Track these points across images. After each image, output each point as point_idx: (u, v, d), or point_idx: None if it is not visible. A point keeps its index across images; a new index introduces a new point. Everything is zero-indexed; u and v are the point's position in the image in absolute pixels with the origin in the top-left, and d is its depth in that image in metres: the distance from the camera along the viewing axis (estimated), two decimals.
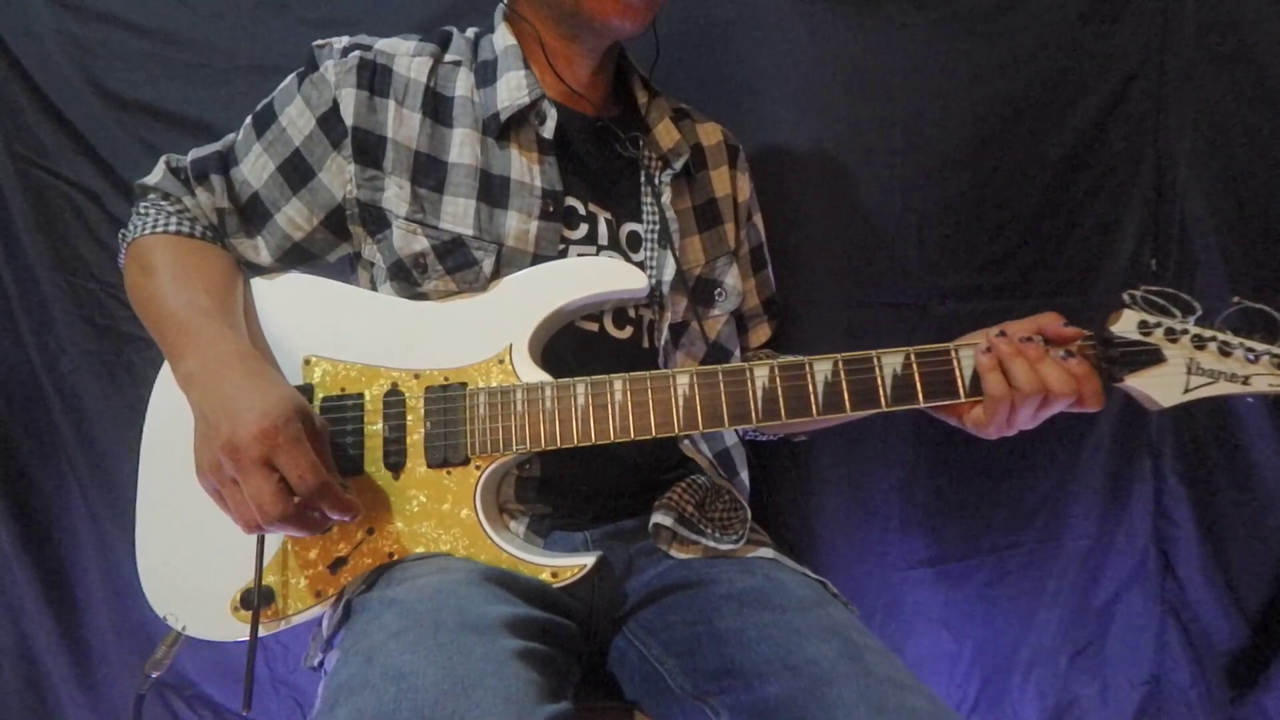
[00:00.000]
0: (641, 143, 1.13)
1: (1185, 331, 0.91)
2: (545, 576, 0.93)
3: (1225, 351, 0.89)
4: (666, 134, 1.15)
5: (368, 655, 0.75)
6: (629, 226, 1.12)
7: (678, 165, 1.14)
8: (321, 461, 0.87)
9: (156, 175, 1.10)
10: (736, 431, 1.20)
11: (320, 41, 1.08)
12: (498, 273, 1.03)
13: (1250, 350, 0.89)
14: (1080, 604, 1.68)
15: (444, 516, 0.95)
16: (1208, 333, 0.90)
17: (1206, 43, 1.52)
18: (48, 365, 1.48)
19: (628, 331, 1.09)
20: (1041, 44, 1.53)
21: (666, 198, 1.12)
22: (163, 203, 1.09)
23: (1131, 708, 1.70)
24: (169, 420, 1.01)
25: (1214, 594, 1.63)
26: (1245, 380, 0.89)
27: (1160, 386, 0.91)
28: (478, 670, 0.72)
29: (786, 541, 1.19)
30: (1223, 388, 0.90)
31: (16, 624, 1.51)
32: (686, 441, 1.12)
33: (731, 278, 1.19)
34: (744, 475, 1.17)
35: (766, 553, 1.07)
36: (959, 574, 1.64)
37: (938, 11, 1.51)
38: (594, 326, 1.07)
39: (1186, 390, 0.90)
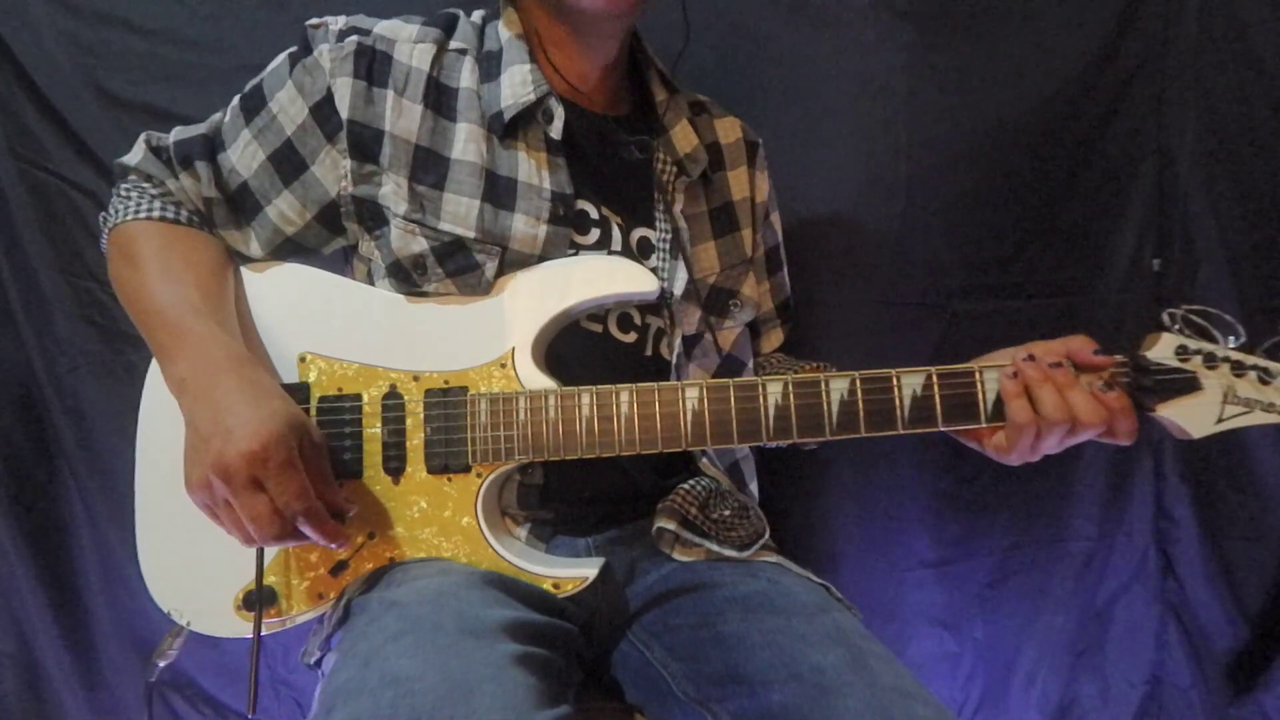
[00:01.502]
0: (655, 145, 1.08)
1: (1226, 359, 0.86)
2: (547, 587, 0.92)
3: (1265, 380, 0.85)
4: (684, 137, 1.09)
5: (365, 659, 0.75)
6: (640, 232, 1.07)
7: (694, 173, 1.09)
8: (319, 474, 0.86)
9: (137, 155, 1.04)
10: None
11: (315, 21, 1.02)
12: (501, 276, 1.00)
13: None
14: (1081, 604, 1.68)
15: (445, 523, 0.94)
16: (1249, 360, 0.86)
17: (1208, 42, 1.51)
18: (47, 365, 1.48)
19: (632, 337, 1.06)
20: (1044, 45, 1.53)
21: (679, 206, 1.08)
22: (145, 185, 1.04)
23: (1132, 708, 1.70)
24: (163, 415, 0.97)
25: (1214, 594, 1.62)
26: None
27: (1193, 417, 0.86)
28: (475, 675, 0.71)
29: (789, 542, 1.19)
30: (1257, 417, 0.85)
31: (16, 624, 1.51)
32: (704, 460, 1.09)
33: (748, 287, 1.15)
34: (753, 486, 1.15)
35: (770, 556, 1.07)
36: (961, 575, 1.64)
37: (941, 13, 1.51)
38: (598, 328, 1.04)
39: (1220, 420, 0.86)
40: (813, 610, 0.93)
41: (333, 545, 0.88)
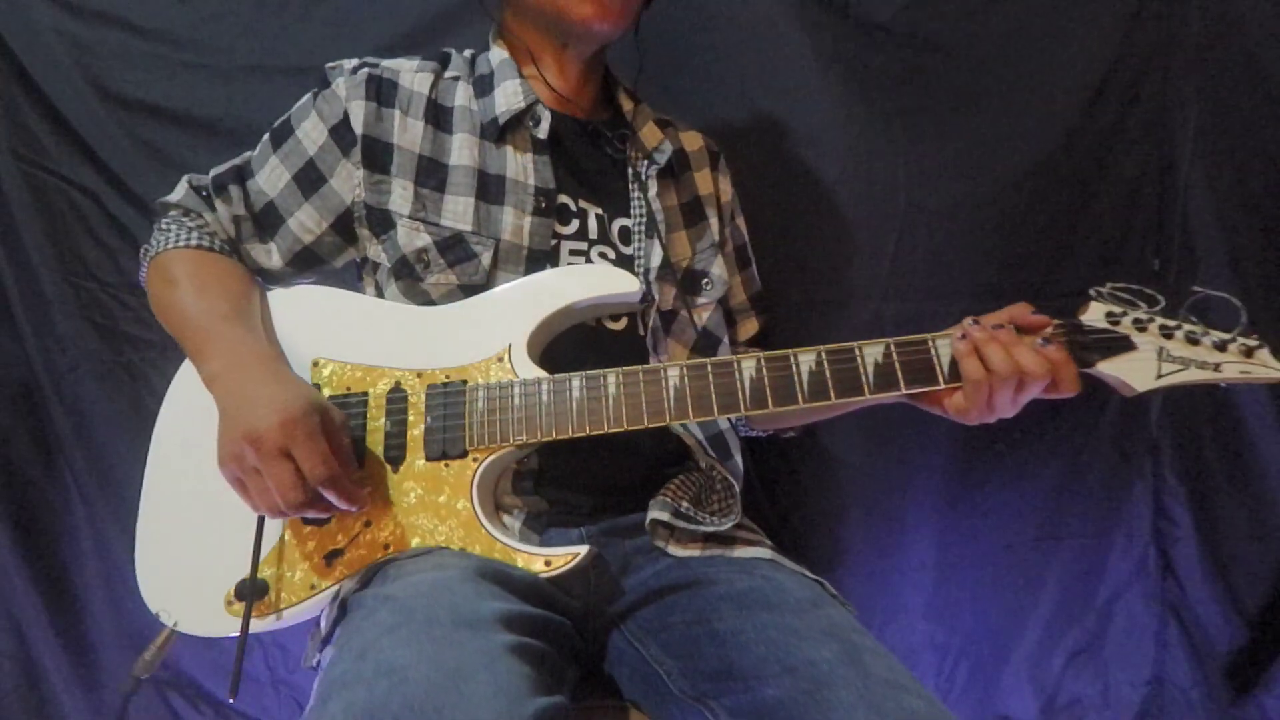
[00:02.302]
0: (628, 142, 1.20)
1: (1151, 320, 0.94)
2: (539, 566, 0.94)
3: (1193, 339, 0.92)
4: (650, 134, 1.22)
5: (360, 651, 0.76)
6: (620, 222, 1.17)
7: (661, 160, 1.20)
8: (340, 451, 0.93)
9: (179, 193, 1.16)
10: (731, 421, 1.22)
11: (332, 64, 1.15)
12: (495, 265, 1.08)
13: (1218, 338, 0.92)
14: (1081, 604, 1.68)
15: (440, 508, 0.97)
16: (1173, 322, 0.93)
17: (1210, 44, 1.52)
18: (48, 365, 1.48)
19: (622, 323, 1.13)
20: (1047, 46, 1.53)
21: (653, 191, 1.17)
22: (184, 219, 1.15)
23: (1132, 708, 1.70)
24: (179, 423, 1.07)
25: (1214, 594, 1.63)
26: (1216, 367, 0.92)
27: (1133, 372, 0.94)
28: (469, 664, 0.73)
29: (786, 540, 1.20)
30: (1194, 374, 0.92)
31: (15, 624, 1.51)
32: (679, 425, 1.13)
33: (718, 268, 1.23)
34: (738, 458, 1.18)
35: (764, 553, 1.08)
36: (961, 575, 1.64)
37: (941, 14, 1.52)
38: (591, 320, 1.11)
39: (1159, 376, 0.93)
40: (806, 606, 0.95)
41: (352, 509, 0.94)
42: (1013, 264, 1.57)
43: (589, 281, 1.06)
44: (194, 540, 1.01)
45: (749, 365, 0.97)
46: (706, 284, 1.21)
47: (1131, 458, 1.64)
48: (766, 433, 1.34)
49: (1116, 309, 0.95)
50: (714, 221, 1.25)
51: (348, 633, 0.84)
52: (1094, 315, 0.96)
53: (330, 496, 0.91)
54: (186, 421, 1.06)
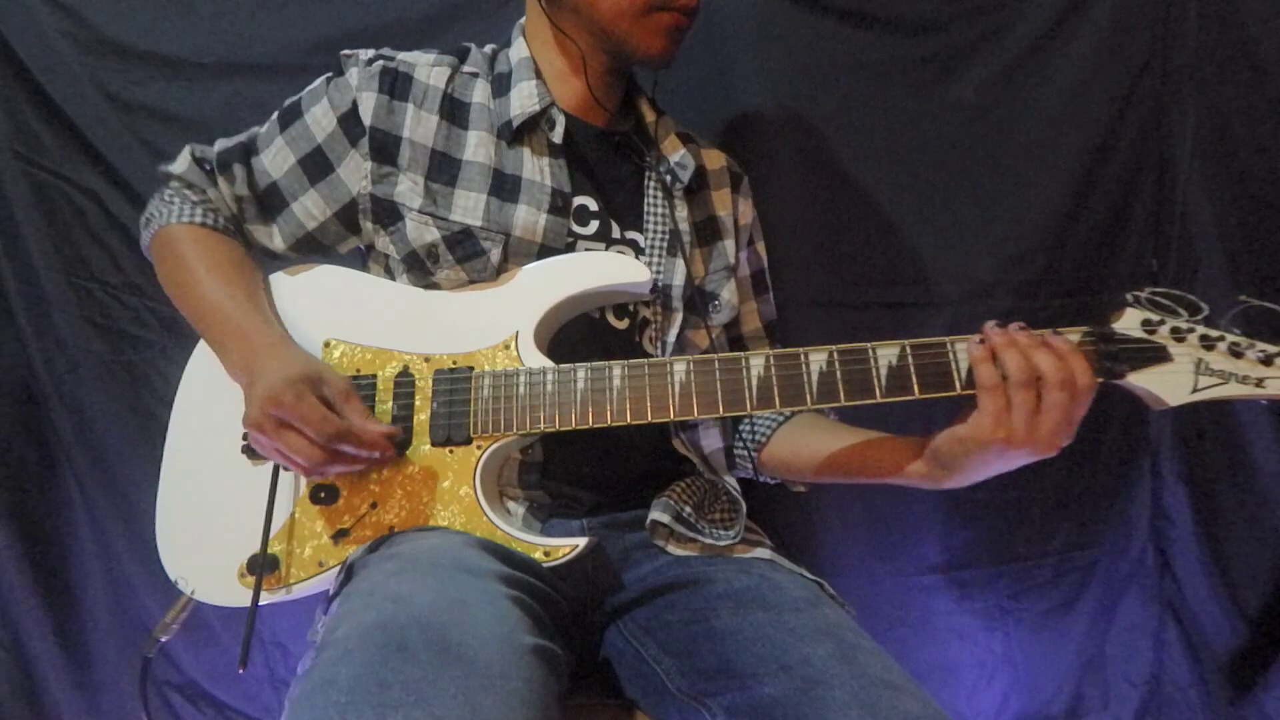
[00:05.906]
0: (648, 156, 1.19)
1: (1192, 330, 0.88)
2: (538, 555, 0.94)
3: (1236, 352, 0.86)
4: (672, 147, 1.20)
5: (369, 591, 0.79)
6: (630, 235, 1.16)
7: (685, 178, 1.18)
8: (348, 408, 0.95)
9: (181, 164, 1.15)
10: (733, 467, 1.21)
11: (348, 51, 1.15)
12: (505, 262, 1.08)
13: (1263, 351, 0.86)
14: (1080, 604, 1.67)
15: (444, 493, 0.99)
16: (1215, 332, 0.87)
17: (1208, 44, 1.52)
18: (48, 365, 1.49)
19: (625, 323, 1.13)
20: (1045, 47, 1.53)
21: (682, 211, 1.17)
22: (187, 192, 1.15)
23: (1132, 708, 1.70)
24: (196, 398, 1.11)
25: (1214, 594, 1.62)
26: (1259, 383, 0.86)
27: (1166, 385, 0.88)
28: (472, 596, 0.77)
29: (790, 543, 1.19)
30: (1234, 389, 0.86)
31: (13, 623, 1.52)
32: (678, 439, 1.13)
33: (728, 292, 1.22)
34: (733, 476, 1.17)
35: (764, 553, 1.08)
36: (964, 578, 1.64)
37: (942, 19, 1.52)
38: (596, 313, 1.12)
39: (1195, 390, 0.87)
40: (803, 605, 0.95)
41: (374, 455, 0.95)
42: (1009, 263, 1.56)
43: (599, 269, 1.06)
44: (211, 512, 1.04)
45: (757, 362, 0.95)
46: (715, 307, 1.20)
47: (1131, 457, 1.64)
48: (774, 480, 1.28)
49: (1154, 316, 0.89)
50: (729, 243, 1.23)
51: (354, 584, 0.86)
52: (1128, 322, 0.90)
53: (348, 450, 0.92)
54: (205, 396, 1.10)
